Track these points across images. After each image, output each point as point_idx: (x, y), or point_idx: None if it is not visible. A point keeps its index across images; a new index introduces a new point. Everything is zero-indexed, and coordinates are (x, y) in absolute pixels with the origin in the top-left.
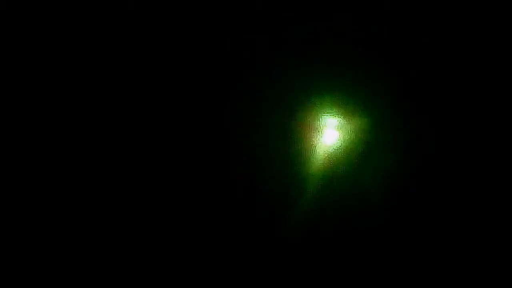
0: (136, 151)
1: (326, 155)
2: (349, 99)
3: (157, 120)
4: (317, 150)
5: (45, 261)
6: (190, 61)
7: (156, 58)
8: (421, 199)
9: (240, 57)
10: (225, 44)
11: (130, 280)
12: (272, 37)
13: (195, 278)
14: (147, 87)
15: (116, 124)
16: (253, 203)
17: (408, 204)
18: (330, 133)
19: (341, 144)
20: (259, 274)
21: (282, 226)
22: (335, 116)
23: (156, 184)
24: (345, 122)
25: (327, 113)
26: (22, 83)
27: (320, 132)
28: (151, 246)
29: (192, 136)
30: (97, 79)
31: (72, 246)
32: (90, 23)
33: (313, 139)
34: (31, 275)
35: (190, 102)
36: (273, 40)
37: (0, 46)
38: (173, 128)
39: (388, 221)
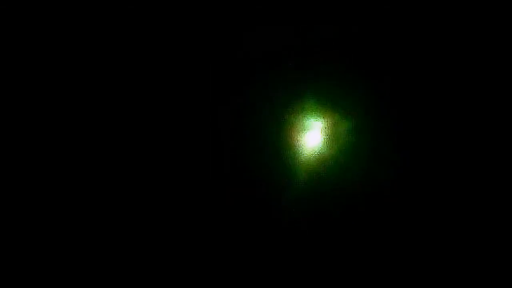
0: (133, 148)
1: (310, 157)
2: (334, 102)
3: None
4: (302, 153)
5: (45, 261)
6: (187, 62)
7: (157, 58)
8: (404, 201)
9: (230, 60)
10: (218, 46)
11: (131, 280)
12: (261, 41)
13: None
14: (146, 87)
15: (119, 122)
16: (243, 202)
17: (391, 207)
18: (314, 135)
19: (325, 146)
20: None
21: (272, 225)
22: (320, 119)
23: (156, 179)
24: (329, 125)
25: (312, 115)
26: (22, 83)
27: (304, 134)
28: (156, 229)
29: (185, 136)
30: (98, 79)
31: (71, 246)
32: (90, 23)
33: (298, 141)
34: (31, 275)
35: (185, 103)
36: (261, 44)
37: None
38: (170, 127)
39: (372, 222)
